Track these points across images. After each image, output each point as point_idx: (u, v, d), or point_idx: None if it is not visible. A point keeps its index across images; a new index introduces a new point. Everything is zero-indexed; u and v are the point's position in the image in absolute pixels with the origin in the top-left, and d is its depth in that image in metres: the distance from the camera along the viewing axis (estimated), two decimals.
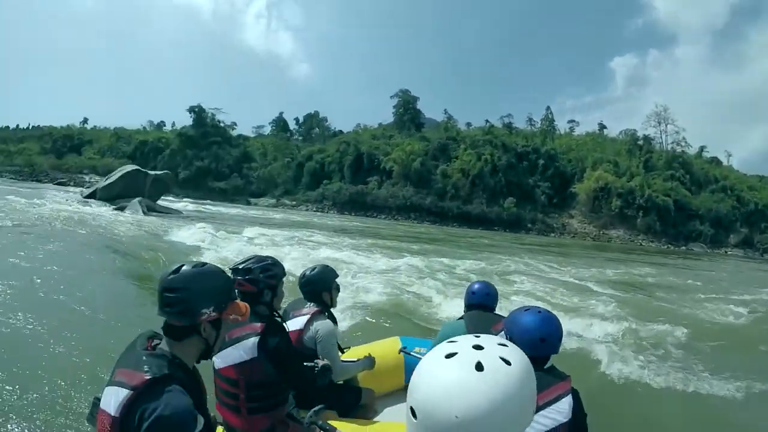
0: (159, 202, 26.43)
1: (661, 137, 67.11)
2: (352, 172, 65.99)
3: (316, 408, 2.09)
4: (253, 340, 2.29)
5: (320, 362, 2.62)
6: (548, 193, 59.36)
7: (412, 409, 0.83)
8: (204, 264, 1.64)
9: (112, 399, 1.40)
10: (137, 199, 21.78)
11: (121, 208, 20.83)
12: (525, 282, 11.53)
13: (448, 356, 0.84)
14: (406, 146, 65.63)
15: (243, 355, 2.29)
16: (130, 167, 26.56)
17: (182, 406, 1.37)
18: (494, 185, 59.26)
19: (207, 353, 1.63)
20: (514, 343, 1.39)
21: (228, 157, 73.83)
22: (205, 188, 66.99)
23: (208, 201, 51.01)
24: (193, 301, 1.53)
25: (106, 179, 26.22)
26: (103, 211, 19.50)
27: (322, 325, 2.85)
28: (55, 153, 78.17)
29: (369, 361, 3.12)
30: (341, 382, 3.10)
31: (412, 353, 3.75)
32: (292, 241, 15.73)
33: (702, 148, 69.62)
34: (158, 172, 28.78)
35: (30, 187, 35.37)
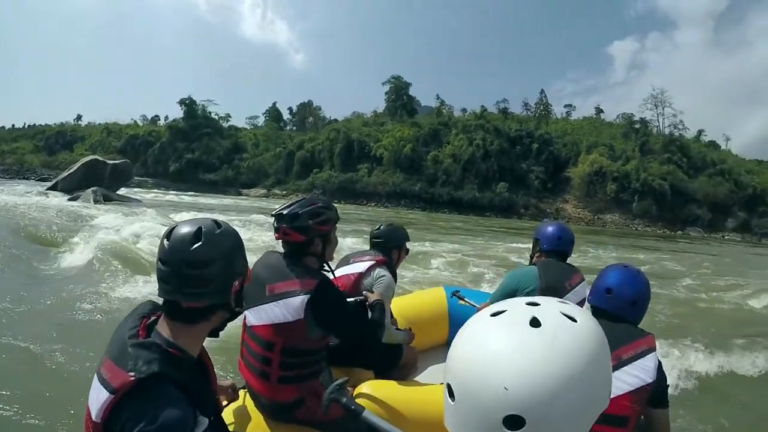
0: (123, 191, 25.81)
1: (658, 120, 65.90)
2: (342, 159, 64.91)
3: (338, 381, 1.60)
4: (302, 299, 1.92)
5: (371, 296, 2.41)
6: (542, 177, 58.18)
7: (449, 387, 0.67)
8: (217, 221, 1.29)
9: (95, 398, 1.13)
10: (91, 188, 20.94)
11: (75, 198, 20.06)
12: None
13: (495, 315, 0.69)
14: (397, 132, 64.45)
15: (287, 315, 1.92)
16: (90, 157, 25.79)
17: (173, 418, 1.07)
18: (486, 170, 58.07)
19: (219, 329, 1.33)
20: (611, 294, 1.73)
21: (219, 149, 73.03)
22: (195, 180, 66.47)
23: (192, 192, 50.44)
24: (227, 273, 1.24)
25: (68, 171, 25.44)
26: (52, 201, 18.54)
27: (384, 274, 2.65)
28: (47, 151, 78.01)
29: (409, 336, 2.88)
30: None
31: (465, 299, 3.46)
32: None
33: (700, 132, 68.63)
34: (117, 161, 27.79)
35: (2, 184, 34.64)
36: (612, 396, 1.32)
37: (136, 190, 41.22)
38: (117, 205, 19.11)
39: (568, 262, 2.87)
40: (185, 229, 1.21)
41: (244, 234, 10.40)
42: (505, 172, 57.92)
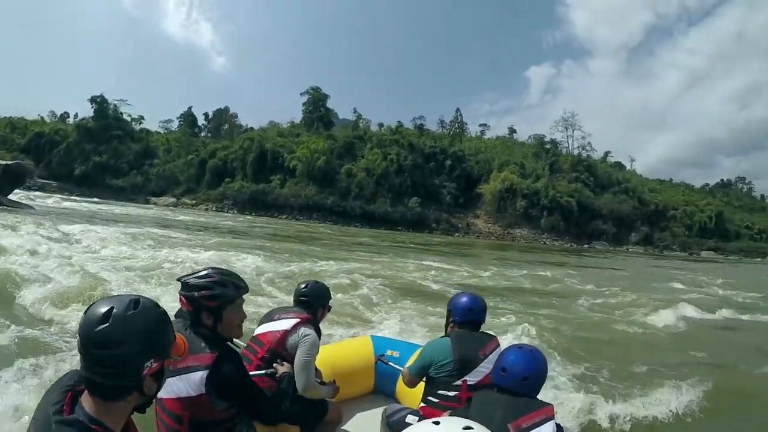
0: (18, 195, 23.87)
1: (568, 142, 68.91)
2: (254, 170, 61.92)
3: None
4: (201, 375, 1.92)
5: (280, 368, 2.51)
6: (454, 193, 58.17)
7: None
8: (137, 300, 1.27)
9: None
10: None
11: None
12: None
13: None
14: (312, 144, 62.41)
15: (189, 390, 1.94)
16: None
17: None
18: (399, 185, 57.20)
19: (144, 406, 1.33)
20: (505, 373, 1.95)
21: (129, 153, 68.28)
22: (102, 185, 61.99)
23: (97, 199, 46.82)
24: (135, 356, 1.21)
25: None
26: None
27: (309, 332, 2.67)
28: None
29: (334, 390, 2.87)
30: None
31: (389, 363, 3.50)
32: (132, 241, 13.04)
33: (607, 153, 73.02)
34: (9, 162, 24.71)
35: None
36: None
37: (36, 194, 38.11)
38: (2, 212, 17.22)
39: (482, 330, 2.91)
40: (98, 309, 1.20)
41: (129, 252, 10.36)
42: (418, 187, 57.35)
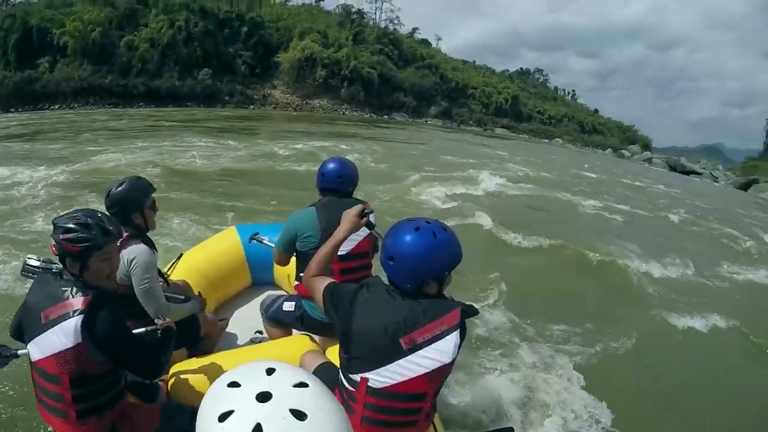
0: None
1: (376, 14, 68.46)
2: (18, 54, 50.68)
3: None
4: (76, 321, 1.70)
5: (160, 323, 2.14)
6: (250, 63, 54.36)
7: None
8: None
9: None
10: None
11: None
12: None
13: (222, 417, 0.69)
14: (86, 15, 52.52)
15: (65, 342, 1.71)
16: None
17: None
18: (188, 56, 51.65)
19: None
20: (394, 266, 1.56)
21: None
22: None
23: None
24: None
25: None
26: None
27: (134, 255, 2.24)
28: None
29: (200, 303, 2.64)
30: None
31: (263, 241, 3.24)
32: None
33: (414, 30, 74.58)
34: None
35: None
36: (409, 377, 1.51)
37: None
38: None
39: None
40: None
41: None
42: (211, 57, 52.39)
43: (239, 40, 55.15)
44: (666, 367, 4.54)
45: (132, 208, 2.34)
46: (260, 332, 2.97)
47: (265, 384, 0.71)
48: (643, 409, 3.74)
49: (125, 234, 2.24)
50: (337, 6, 65.43)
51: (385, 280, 1.64)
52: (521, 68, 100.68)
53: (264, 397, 0.69)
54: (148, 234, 2.44)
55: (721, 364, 4.88)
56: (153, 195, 2.44)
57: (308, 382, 0.72)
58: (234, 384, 0.72)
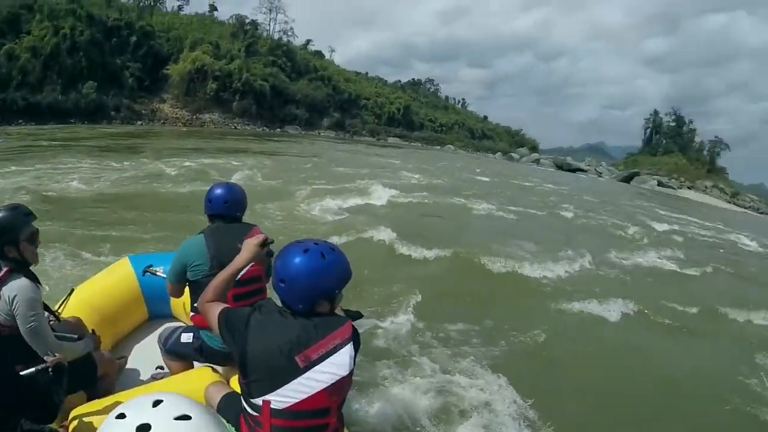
0: None
1: (270, 25, 69.18)
2: None
3: None
4: None
5: (50, 360, 1.93)
6: (138, 75, 53.58)
7: None
8: None
9: None
10: None
11: None
12: None
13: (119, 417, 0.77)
14: None
15: None
16: None
17: None
18: (72, 67, 49.88)
19: None
20: (285, 288, 1.57)
21: None
22: None
23: None
24: None
25: None
26: None
27: (17, 289, 2.04)
28: None
29: (94, 341, 2.48)
30: None
31: (157, 273, 3.25)
32: None
33: (308, 41, 76.25)
34: None
35: None
36: (309, 394, 1.51)
37: None
38: None
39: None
40: None
41: None
42: (96, 68, 50.89)
43: (128, 50, 54.20)
44: (573, 355, 4.71)
45: (4, 240, 2.09)
46: (161, 368, 2.88)
47: (148, 416, 0.74)
48: (558, 399, 3.89)
49: (5, 269, 2.09)
50: (231, 16, 65.27)
51: (278, 301, 1.65)
52: (413, 79, 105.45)
53: (143, 429, 0.72)
54: (30, 268, 2.21)
55: (624, 344, 5.07)
56: (35, 224, 2.19)
57: (192, 415, 0.75)
58: (121, 416, 0.75)
